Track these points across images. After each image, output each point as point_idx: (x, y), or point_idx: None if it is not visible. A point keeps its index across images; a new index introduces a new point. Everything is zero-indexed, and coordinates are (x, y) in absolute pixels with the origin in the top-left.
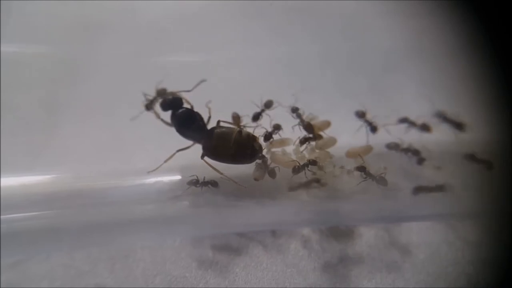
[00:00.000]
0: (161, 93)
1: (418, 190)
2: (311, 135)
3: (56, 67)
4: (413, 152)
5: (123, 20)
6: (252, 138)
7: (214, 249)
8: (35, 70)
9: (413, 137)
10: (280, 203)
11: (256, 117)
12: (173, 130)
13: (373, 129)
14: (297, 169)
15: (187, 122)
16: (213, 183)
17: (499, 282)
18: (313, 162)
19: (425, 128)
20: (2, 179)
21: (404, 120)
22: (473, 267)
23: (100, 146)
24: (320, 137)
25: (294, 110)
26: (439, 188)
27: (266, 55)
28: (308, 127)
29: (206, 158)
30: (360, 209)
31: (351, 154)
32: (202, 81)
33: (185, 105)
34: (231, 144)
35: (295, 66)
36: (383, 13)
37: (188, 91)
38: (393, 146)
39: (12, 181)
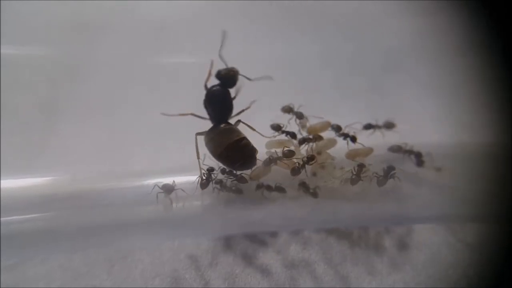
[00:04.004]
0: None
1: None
2: (310, 136)
3: (55, 68)
4: (416, 155)
5: (122, 20)
6: (251, 150)
7: (214, 250)
8: (34, 71)
9: (412, 140)
10: (280, 204)
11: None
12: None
13: (353, 139)
14: (296, 170)
15: (217, 100)
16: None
17: (499, 285)
18: (311, 158)
19: (389, 126)
20: (0, 181)
21: (368, 126)
22: (473, 269)
23: (99, 148)
24: (320, 138)
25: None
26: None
27: (266, 55)
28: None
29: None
30: (360, 210)
31: (351, 156)
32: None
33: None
34: (224, 145)
35: (295, 66)
36: (383, 13)
37: (250, 79)
38: (396, 149)
39: (10, 183)
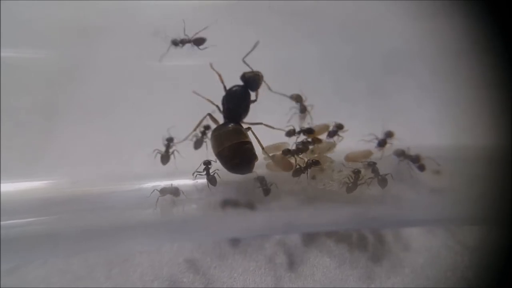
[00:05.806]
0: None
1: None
2: (309, 139)
3: (54, 71)
4: (413, 159)
5: (121, 23)
6: (252, 155)
7: (213, 253)
8: (33, 74)
9: (412, 142)
10: (278, 208)
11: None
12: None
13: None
14: (298, 171)
15: (236, 99)
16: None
17: (497, 287)
18: (316, 162)
19: (389, 135)
20: (0, 184)
21: (381, 143)
22: (472, 271)
23: (98, 150)
24: (319, 141)
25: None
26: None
27: (265, 58)
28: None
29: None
30: (359, 213)
31: (350, 159)
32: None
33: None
34: (228, 143)
35: (295, 69)
36: (382, 15)
37: (270, 89)
38: (400, 153)
39: (9, 186)
